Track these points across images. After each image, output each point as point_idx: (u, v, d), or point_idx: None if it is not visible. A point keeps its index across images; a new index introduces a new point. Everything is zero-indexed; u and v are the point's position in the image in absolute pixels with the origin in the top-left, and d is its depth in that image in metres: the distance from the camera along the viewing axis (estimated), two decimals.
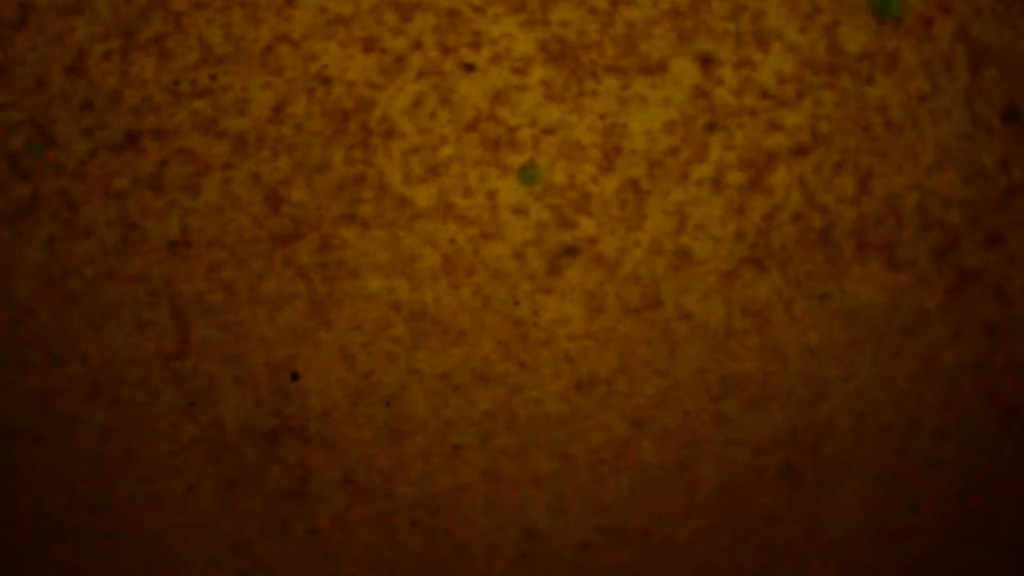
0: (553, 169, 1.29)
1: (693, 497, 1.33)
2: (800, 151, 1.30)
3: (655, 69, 1.29)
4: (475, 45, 1.29)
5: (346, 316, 1.29)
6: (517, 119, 1.29)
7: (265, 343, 1.31)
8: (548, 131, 1.29)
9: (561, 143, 1.30)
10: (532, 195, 1.29)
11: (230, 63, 1.29)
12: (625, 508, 1.34)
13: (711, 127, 1.30)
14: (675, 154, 1.30)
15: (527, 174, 1.29)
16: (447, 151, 1.29)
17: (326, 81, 1.28)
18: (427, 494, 1.35)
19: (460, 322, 1.30)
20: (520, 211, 1.30)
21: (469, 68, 1.28)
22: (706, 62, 1.29)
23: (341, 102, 1.29)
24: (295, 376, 1.34)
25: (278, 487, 1.33)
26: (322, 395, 1.29)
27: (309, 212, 1.30)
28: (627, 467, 1.32)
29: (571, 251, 1.30)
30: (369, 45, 1.28)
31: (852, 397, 1.34)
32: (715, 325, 1.32)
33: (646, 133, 1.29)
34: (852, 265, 1.33)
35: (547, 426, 1.29)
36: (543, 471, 1.32)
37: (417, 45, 1.29)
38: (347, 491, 1.36)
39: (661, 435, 1.35)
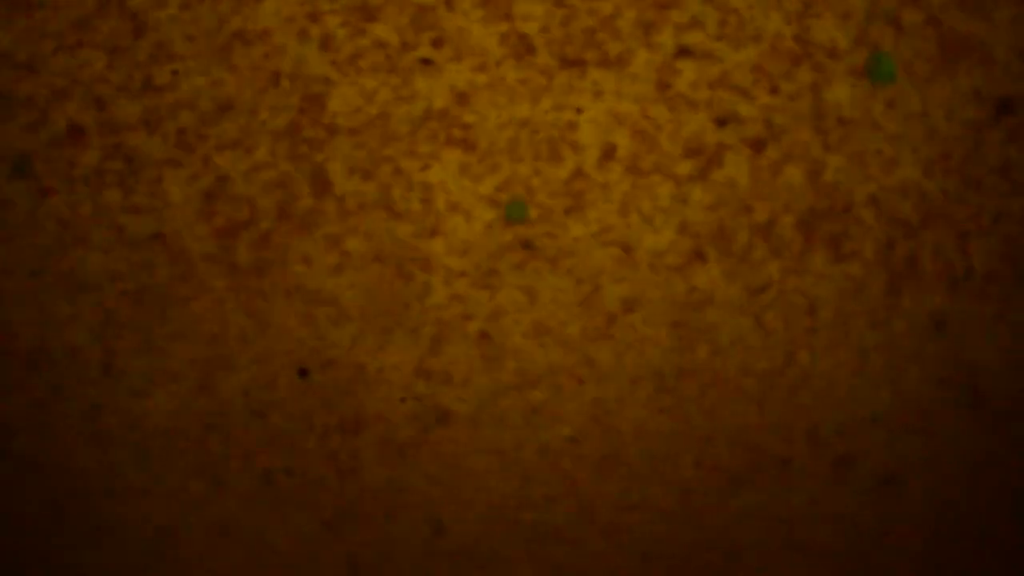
0: (501, 166, 1.28)
1: (644, 492, 1.32)
2: (754, 143, 1.29)
3: (616, 62, 1.28)
4: (438, 42, 1.28)
5: (283, 312, 1.28)
6: (470, 115, 1.29)
7: (193, 339, 1.30)
8: (501, 126, 1.28)
9: (512, 138, 1.29)
10: (478, 191, 1.28)
11: (187, 60, 1.28)
12: (574, 503, 1.33)
13: (665, 118, 1.29)
14: (627, 145, 1.29)
15: (515, 210, 1.28)
16: (394, 147, 1.29)
17: (282, 77, 1.28)
18: (365, 491, 1.35)
19: (398, 319, 1.29)
20: (464, 207, 1.29)
21: (427, 63, 1.27)
22: (667, 53, 1.28)
23: (293, 97, 1.28)
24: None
25: (204, 486, 1.32)
26: (249, 392, 1.28)
27: (247, 208, 1.31)
28: (581, 462, 1.31)
29: (515, 246, 1.29)
30: (327, 42, 1.28)
31: (804, 390, 1.32)
32: (659, 318, 1.30)
33: (599, 125, 1.29)
34: (797, 256, 1.31)
35: (491, 424, 1.28)
36: (487, 469, 1.32)
37: (378, 42, 1.28)
38: (268, 488, 1.35)
39: (611, 430, 1.34)
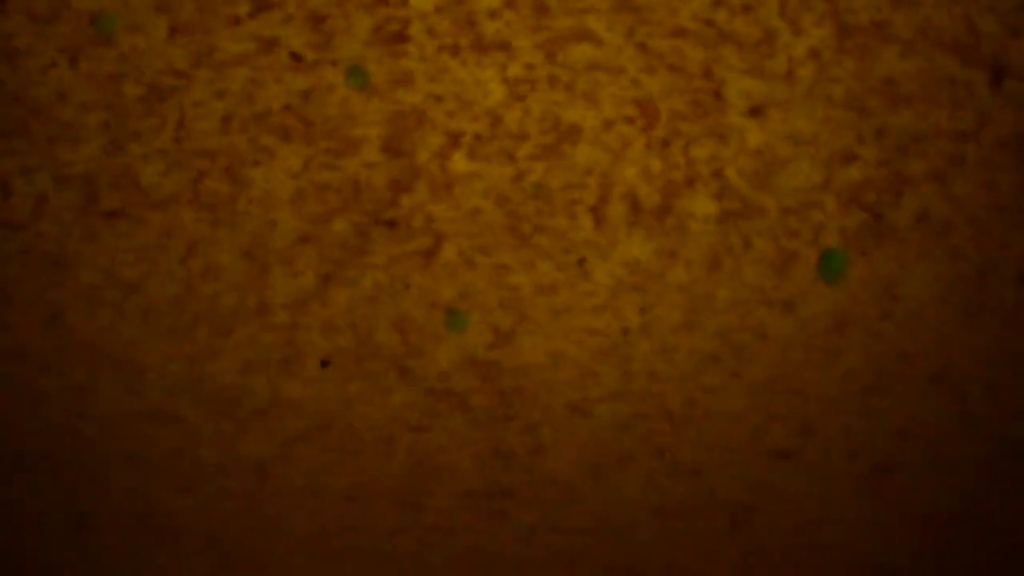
0: (336, 162, 1.25)
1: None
2: (616, 121, 1.25)
3: (494, 47, 1.22)
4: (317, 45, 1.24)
5: (82, 312, 1.27)
6: (324, 111, 1.25)
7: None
8: (346, 120, 1.25)
9: (360, 135, 1.26)
10: (299, 184, 1.24)
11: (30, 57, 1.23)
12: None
13: (528, 98, 1.24)
14: (475, 130, 1.26)
15: (456, 321, 1.29)
16: (215, 141, 1.25)
17: (126, 75, 1.23)
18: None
19: (203, 317, 1.27)
20: (283, 200, 1.25)
21: (297, 59, 1.20)
22: (553, 37, 1.22)
23: (135, 93, 1.23)
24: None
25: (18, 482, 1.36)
26: (60, 392, 1.29)
27: (47, 204, 1.27)
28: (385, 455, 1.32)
29: (338, 245, 1.27)
30: (189, 33, 1.22)
31: (624, 373, 1.31)
32: (484, 303, 1.29)
33: (450, 114, 1.24)
34: (620, 231, 1.28)
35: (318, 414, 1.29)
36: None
37: (253, 35, 1.22)
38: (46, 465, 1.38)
39: (419, 436, 1.34)
